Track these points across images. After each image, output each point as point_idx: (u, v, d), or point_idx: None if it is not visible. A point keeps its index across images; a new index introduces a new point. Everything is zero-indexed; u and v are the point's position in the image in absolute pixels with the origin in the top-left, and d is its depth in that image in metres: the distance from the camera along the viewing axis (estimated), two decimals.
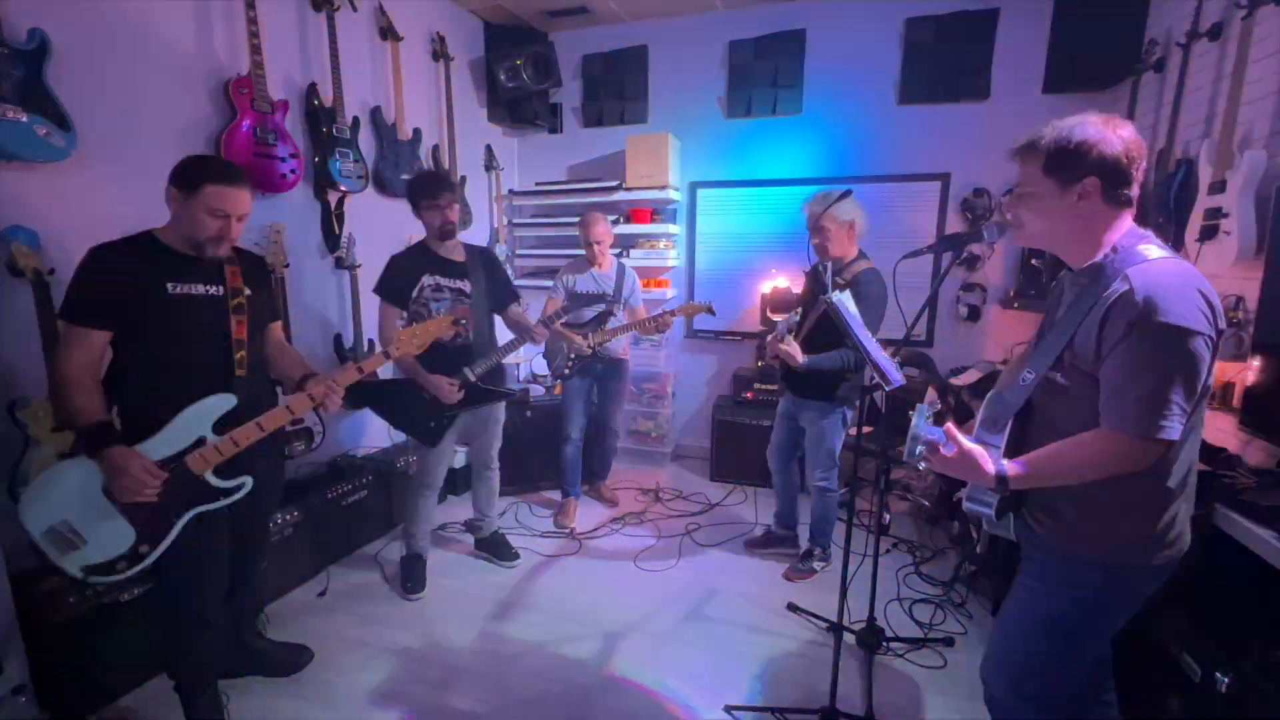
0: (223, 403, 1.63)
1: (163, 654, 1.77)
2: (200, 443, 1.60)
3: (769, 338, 2.44)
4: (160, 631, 1.78)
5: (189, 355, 1.64)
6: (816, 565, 2.77)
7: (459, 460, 3.45)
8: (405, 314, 2.43)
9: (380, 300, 2.43)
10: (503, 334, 2.62)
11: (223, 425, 1.63)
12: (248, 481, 1.70)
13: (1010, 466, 1.20)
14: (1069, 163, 1.15)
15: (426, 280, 2.41)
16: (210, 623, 1.74)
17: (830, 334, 2.32)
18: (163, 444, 1.57)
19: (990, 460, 1.21)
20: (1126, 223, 1.20)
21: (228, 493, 1.67)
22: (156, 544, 1.59)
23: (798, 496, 2.93)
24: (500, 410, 2.73)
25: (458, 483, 3.58)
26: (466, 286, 2.47)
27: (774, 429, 2.85)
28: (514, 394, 2.62)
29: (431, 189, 2.38)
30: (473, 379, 2.43)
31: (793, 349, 2.39)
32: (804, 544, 2.86)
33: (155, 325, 1.58)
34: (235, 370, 1.69)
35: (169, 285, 1.60)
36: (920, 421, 1.21)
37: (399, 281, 2.41)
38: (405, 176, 3.28)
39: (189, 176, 1.57)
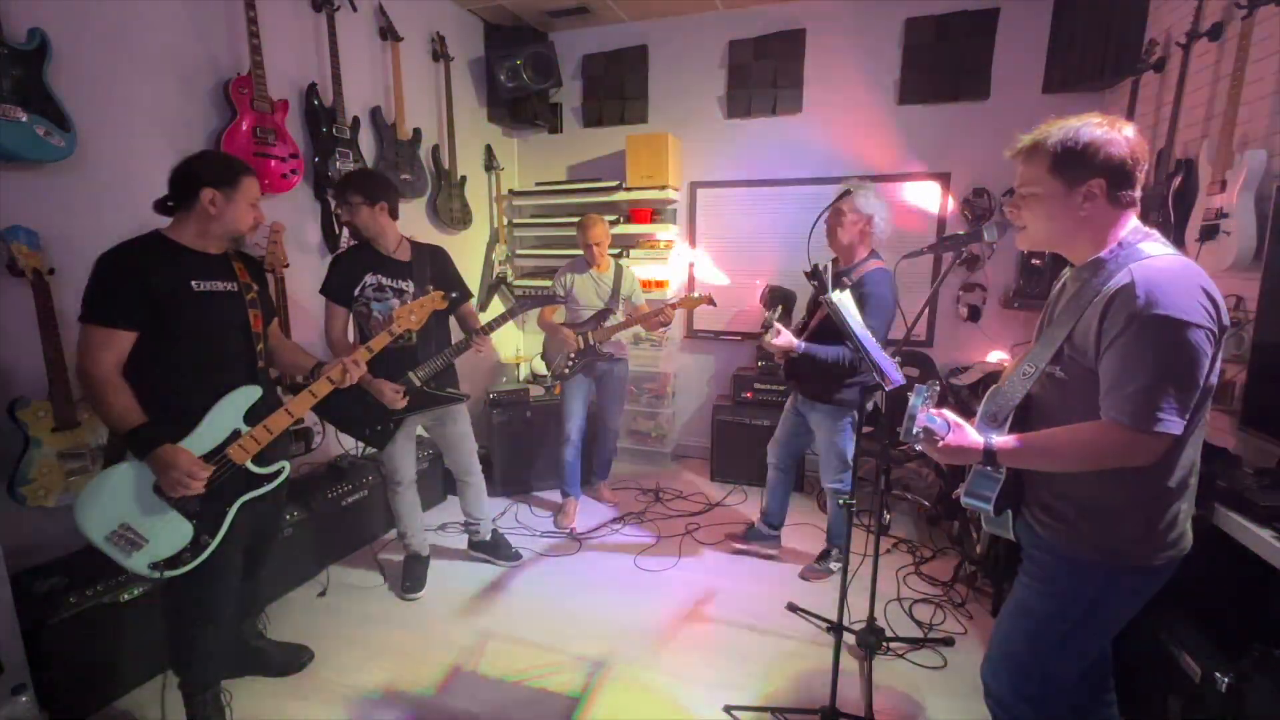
0: (251, 394, 1.69)
1: (172, 649, 1.80)
2: (236, 435, 1.66)
3: (760, 341, 2.36)
4: (171, 625, 1.80)
5: (219, 350, 1.69)
6: (833, 566, 2.74)
7: None
8: (350, 313, 2.38)
9: (326, 301, 2.37)
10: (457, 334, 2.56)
11: (250, 416, 1.69)
12: (286, 466, 1.79)
13: (999, 441, 1.21)
14: (1076, 163, 1.15)
15: (369, 279, 2.35)
16: (222, 615, 1.79)
17: (833, 336, 2.28)
18: (201, 439, 1.62)
19: (979, 435, 1.21)
20: (1131, 221, 1.20)
21: (270, 478, 1.75)
22: (215, 533, 1.66)
23: (789, 498, 2.91)
24: (463, 421, 2.65)
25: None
26: (409, 286, 2.39)
27: (780, 423, 2.78)
28: (463, 397, 2.56)
29: (337, 192, 2.36)
30: (418, 384, 2.35)
31: (784, 338, 2.29)
32: (785, 551, 2.89)
33: (185, 322, 1.62)
34: (258, 362, 1.77)
35: (194, 283, 1.64)
36: (918, 401, 1.21)
37: (342, 280, 2.35)
38: (405, 177, 3.28)
39: (227, 173, 1.63)
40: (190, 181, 1.61)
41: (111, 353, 1.54)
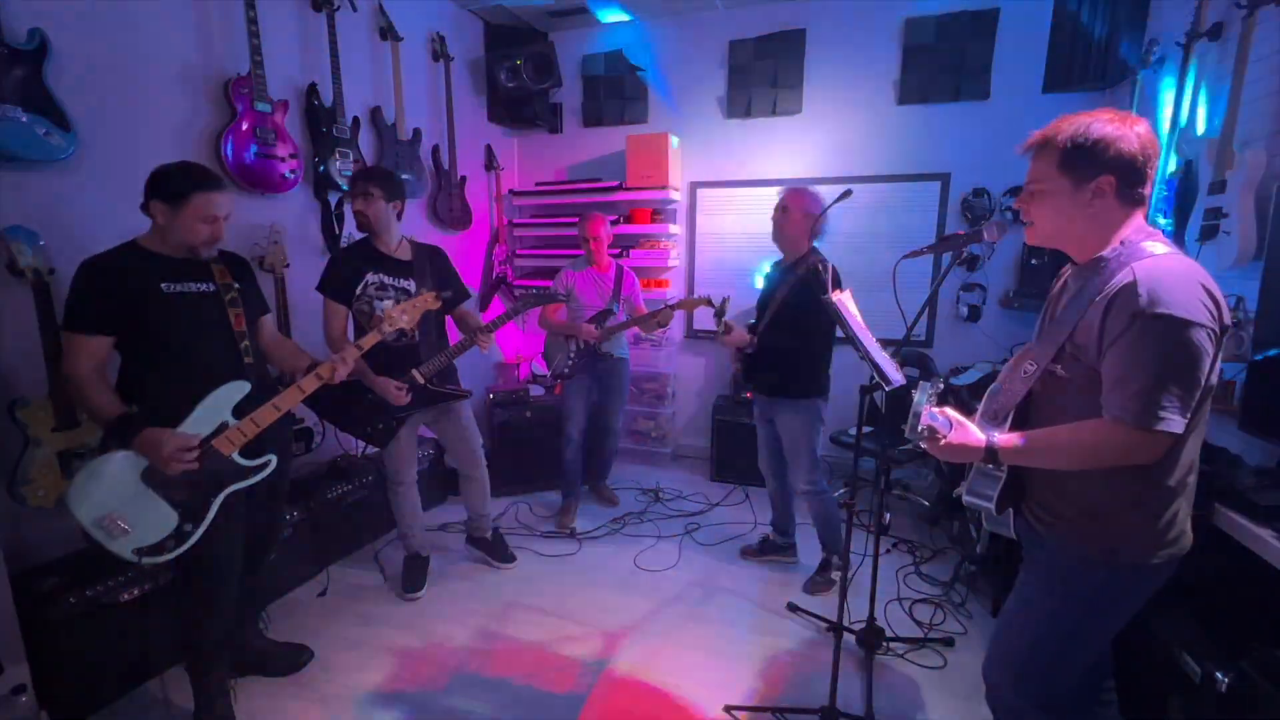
0: (239, 389, 1.72)
1: (179, 633, 1.86)
2: (223, 427, 1.69)
3: (719, 340, 2.47)
4: (177, 609, 1.86)
5: (197, 349, 1.72)
6: (835, 576, 2.66)
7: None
8: (350, 312, 2.37)
9: (324, 298, 2.35)
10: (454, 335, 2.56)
11: (239, 411, 1.72)
12: (272, 459, 1.79)
13: (1000, 439, 1.21)
14: (1085, 160, 1.15)
15: (370, 278, 2.34)
16: (225, 601, 1.82)
17: (788, 326, 2.42)
18: (189, 431, 1.65)
19: (981, 433, 1.22)
20: (1137, 220, 1.20)
21: (255, 470, 1.76)
22: (199, 523, 1.68)
23: (793, 502, 2.88)
24: (467, 417, 2.65)
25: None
26: (411, 286, 2.39)
27: (758, 435, 2.78)
28: (466, 394, 2.58)
29: (350, 183, 2.34)
30: (421, 381, 2.36)
31: (736, 335, 2.42)
32: (801, 553, 2.85)
33: (157, 324, 1.66)
34: (244, 358, 1.79)
35: (164, 286, 1.67)
36: (922, 398, 1.20)
37: (343, 278, 2.33)
38: (405, 177, 3.28)
39: (174, 188, 1.64)
40: (146, 191, 1.65)
41: (89, 356, 1.61)
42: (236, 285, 1.80)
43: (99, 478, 1.60)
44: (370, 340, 1.92)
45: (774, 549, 2.91)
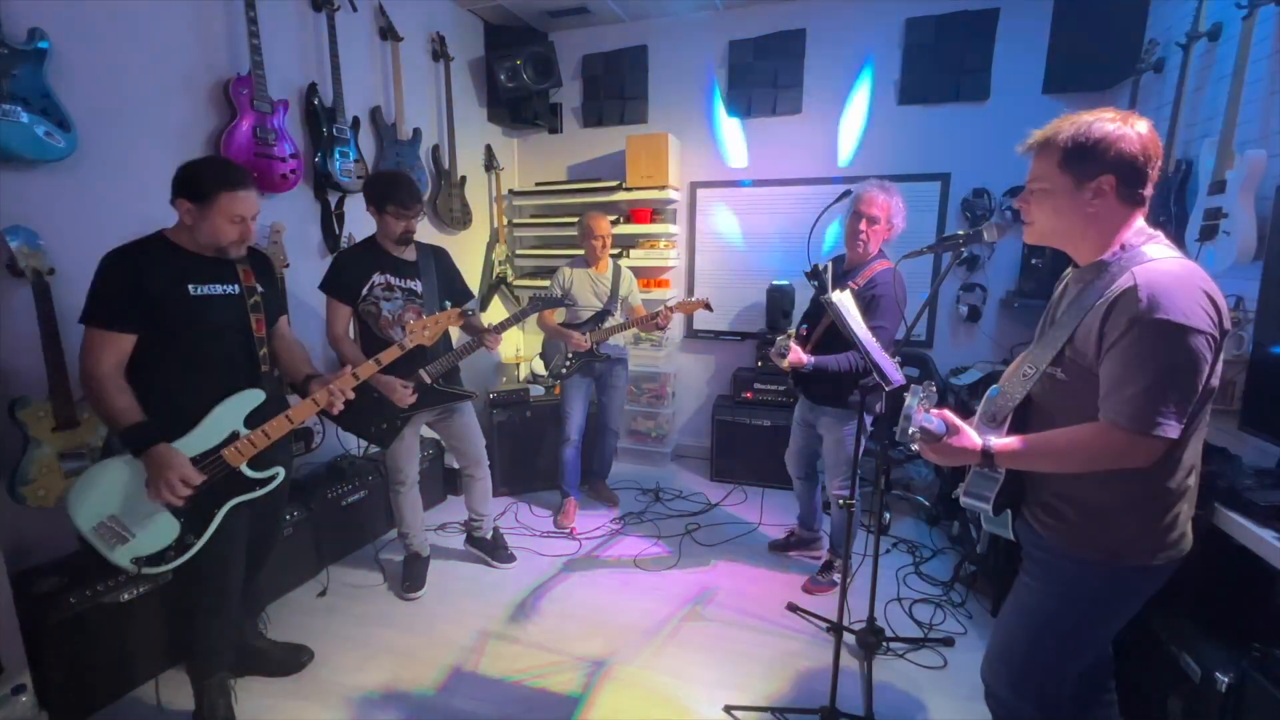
0: (253, 397, 1.70)
1: (180, 639, 1.85)
2: (234, 437, 1.66)
3: (771, 353, 2.30)
4: (179, 616, 1.85)
5: (216, 353, 1.69)
6: (836, 578, 2.66)
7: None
8: (354, 312, 2.38)
9: (327, 298, 2.36)
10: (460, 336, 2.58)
11: (250, 419, 1.69)
12: (280, 472, 1.77)
13: (996, 443, 1.21)
14: (1087, 159, 1.14)
15: (377, 279, 2.35)
16: (227, 609, 1.80)
17: (841, 342, 2.21)
18: (199, 439, 1.63)
19: (977, 437, 1.22)
20: (1138, 222, 1.20)
21: (262, 483, 1.74)
22: (201, 533, 1.65)
23: (820, 500, 2.86)
24: (470, 417, 2.66)
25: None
26: (418, 286, 2.41)
27: (791, 436, 2.73)
28: (471, 395, 2.59)
29: (404, 199, 2.30)
30: (429, 381, 2.36)
31: (794, 355, 2.24)
32: (824, 553, 2.83)
33: (181, 325, 1.63)
34: (261, 366, 1.76)
35: (190, 286, 1.64)
36: (914, 402, 1.21)
37: (348, 279, 2.34)
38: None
39: (200, 187, 1.59)
40: (173, 188, 1.61)
41: (112, 354, 1.56)
42: (260, 289, 1.78)
43: (101, 482, 1.57)
44: (390, 355, 1.90)
45: (801, 543, 2.93)
